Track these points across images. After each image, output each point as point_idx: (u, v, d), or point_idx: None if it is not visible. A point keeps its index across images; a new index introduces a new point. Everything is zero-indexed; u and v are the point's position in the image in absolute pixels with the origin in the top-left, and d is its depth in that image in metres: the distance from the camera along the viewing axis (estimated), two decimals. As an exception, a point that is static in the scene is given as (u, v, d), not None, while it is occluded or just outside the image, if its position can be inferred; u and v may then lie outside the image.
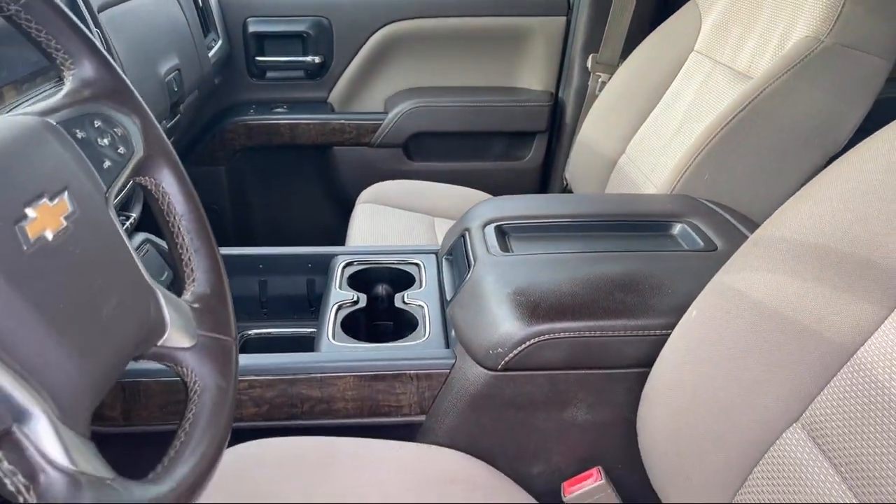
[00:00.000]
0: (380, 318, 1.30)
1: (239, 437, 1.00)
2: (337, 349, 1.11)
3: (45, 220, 0.53)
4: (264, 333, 1.44)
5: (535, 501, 1.03)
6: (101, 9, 1.39)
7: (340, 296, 1.26)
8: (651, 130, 1.88)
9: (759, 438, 0.83)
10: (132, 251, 0.63)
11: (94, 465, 0.50)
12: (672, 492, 0.94)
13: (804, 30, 1.46)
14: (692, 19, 1.93)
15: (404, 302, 1.24)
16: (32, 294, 0.49)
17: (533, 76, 2.40)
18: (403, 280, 1.33)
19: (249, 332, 1.44)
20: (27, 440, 0.47)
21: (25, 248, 0.50)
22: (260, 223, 2.48)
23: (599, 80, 2.19)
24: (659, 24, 2.03)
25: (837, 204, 0.86)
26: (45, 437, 0.47)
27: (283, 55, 2.32)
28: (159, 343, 0.65)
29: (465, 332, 1.06)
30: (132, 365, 0.62)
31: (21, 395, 0.47)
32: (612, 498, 1.04)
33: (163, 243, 1.39)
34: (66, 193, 0.56)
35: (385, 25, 2.30)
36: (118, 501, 0.49)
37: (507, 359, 0.99)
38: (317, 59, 2.32)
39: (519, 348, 0.99)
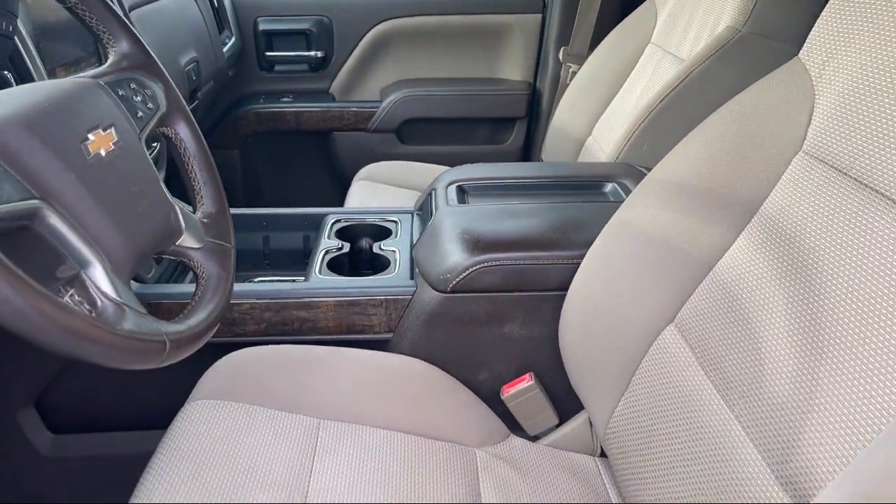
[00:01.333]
0: (360, 263, 1.53)
1: (242, 348, 1.23)
2: (321, 280, 1.34)
3: (100, 142, 0.76)
4: (266, 281, 1.67)
5: (478, 398, 1.26)
6: (132, 8, 1.64)
7: (328, 244, 1.49)
8: (612, 113, 2.09)
9: (645, 337, 1.05)
10: (158, 175, 0.86)
11: (133, 303, 0.73)
12: (583, 386, 1.17)
13: (727, 21, 1.68)
14: (649, 15, 2.15)
15: (381, 249, 1.48)
16: (94, 189, 0.73)
17: (512, 68, 2.62)
18: (382, 233, 1.56)
19: (254, 280, 1.67)
20: (89, 280, 0.70)
21: (87, 158, 0.74)
22: (268, 200, 2.71)
23: (570, 70, 2.40)
24: (622, 19, 2.24)
25: (702, 152, 1.08)
26: (101, 279, 0.71)
27: (289, 50, 2.55)
28: (177, 243, 0.89)
29: (423, 265, 1.30)
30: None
31: (86, 252, 0.70)
32: (540, 395, 1.27)
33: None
34: (113, 128, 0.80)
35: (379, 23, 2.52)
36: (149, 327, 0.72)
37: (454, 283, 1.22)
38: (319, 54, 2.55)
39: (463, 274, 1.22)
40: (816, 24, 1.01)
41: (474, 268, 1.22)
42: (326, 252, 1.46)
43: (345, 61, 2.58)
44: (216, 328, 0.85)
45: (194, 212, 0.96)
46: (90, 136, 0.75)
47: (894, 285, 0.69)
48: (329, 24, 2.53)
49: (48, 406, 1.35)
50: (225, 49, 2.27)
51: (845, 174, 0.82)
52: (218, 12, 2.30)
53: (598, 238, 1.17)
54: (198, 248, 0.91)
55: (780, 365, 0.80)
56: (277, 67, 2.58)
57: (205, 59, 2.02)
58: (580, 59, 2.37)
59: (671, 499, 0.90)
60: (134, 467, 1.01)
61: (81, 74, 0.86)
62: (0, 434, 1.32)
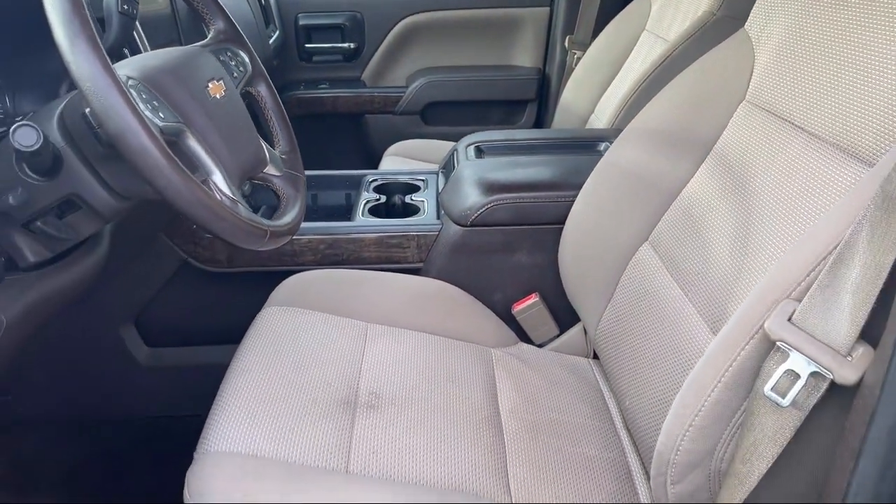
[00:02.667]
0: (394, 211, 1.79)
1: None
2: (364, 221, 1.62)
3: (215, 89, 1.04)
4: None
5: (493, 313, 1.51)
6: (200, 3, 1.91)
7: (367, 196, 1.76)
8: (611, 92, 2.34)
9: (625, 254, 1.30)
10: (250, 119, 1.14)
11: (243, 203, 1.00)
12: (577, 299, 1.42)
13: (705, 6, 1.93)
14: (645, 5, 2.39)
15: (412, 199, 1.74)
16: (214, 121, 1.00)
17: (523, 55, 2.88)
18: (412, 189, 1.82)
19: (305, 231, 1.94)
20: (213, 184, 0.97)
21: (209, 99, 1.01)
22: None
23: (575, 56, 2.66)
24: (621, 9, 2.49)
25: (669, 106, 1.33)
26: (221, 184, 0.98)
27: (326, 42, 2.83)
28: (264, 171, 1.16)
29: (447, 205, 1.56)
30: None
31: (211, 164, 0.97)
32: (543, 310, 1.53)
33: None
34: (222, 80, 1.07)
35: (405, 17, 2.79)
36: (257, 219, 0.99)
37: (472, 218, 1.49)
38: (352, 45, 2.82)
39: (480, 210, 1.48)
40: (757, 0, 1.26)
41: (488, 205, 1.48)
42: (367, 202, 1.73)
43: (374, 51, 2.85)
44: (293, 235, 1.12)
45: (273, 150, 1.23)
46: (209, 85, 1.03)
47: (806, 196, 0.93)
48: (361, 19, 2.80)
49: (145, 324, 1.63)
50: (270, 41, 2.54)
51: (776, 115, 1.06)
52: (265, 9, 2.57)
53: (588, 178, 1.43)
54: (278, 176, 1.18)
55: (721, 258, 1.05)
56: (315, 58, 2.85)
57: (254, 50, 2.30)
58: (584, 46, 2.62)
59: (642, 379, 1.14)
60: (216, 375, 1.21)
61: (194, 44, 1.13)
62: (106, 346, 1.60)
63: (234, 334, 1.35)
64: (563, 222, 1.47)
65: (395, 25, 2.81)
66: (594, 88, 2.40)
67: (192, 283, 1.60)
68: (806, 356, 0.74)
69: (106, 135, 0.86)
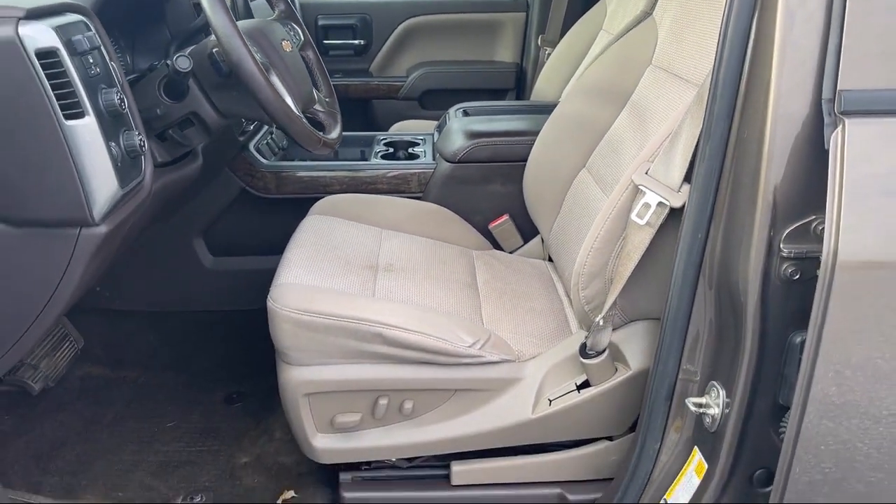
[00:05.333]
0: (399, 160, 2.25)
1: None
2: (378, 162, 2.08)
3: (286, 46, 1.50)
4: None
5: (474, 229, 1.97)
6: (248, 0, 2.37)
7: (379, 149, 2.22)
8: (574, 81, 2.81)
9: (569, 178, 1.75)
10: (306, 71, 1.60)
11: (306, 120, 1.47)
12: (535, 215, 1.88)
13: (642, 6, 2.40)
14: (602, 7, 2.87)
15: (412, 151, 2.21)
16: (287, 66, 1.46)
17: (504, 52, 3.35)
18: (413, 144, 2.28)
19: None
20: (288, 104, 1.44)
21: (283, 52, 1.47)
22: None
23: (546, 52, 3.12)
24: (584, 13, 2.96)
25: (603, 66, 1.80)
26: (292, 104, 1.44)
27: (340, 39, 3.29)
28: (313, 107, 1.62)
29: (440, 148, 2.03)
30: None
31: (285, 91, 1.44)
32: (513, 227, 1.98)
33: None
34: (289, 42, 1.53)
35: (407, 19, 3.25)
36: (316, 131, 1.45)
37: (459, 156, 1.95)
38: (362, 42, 3.28)
39: (465, 150, 1.95)
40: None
41: (471, 147, 1.95)
42: (378, 152, 2.19)
43: (381, 47, 3.31)
44: (334, 147, 1.57)
45: (319, 94, 1.70)
46: (282, 42, 1.49)
47: (671, 110, 1.40)
48: (370, 20, 3.26)
49: (211, 237, 2.08)
50: (295, 37, 3.00)
51: (667, 71, 1.53)
52: (290, 10, 3.04)
53: (544, 126, 1.90)
54: (322, 111, 1.65)
55: (625, 159, 1.51)
56: (331, 52, 3.30)
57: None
58: (553, 44, 3.08)
59: (570, 249, 1.59)
60: (267, 279, 1.54)
61: (267, 18, 1.60)
62: (181, 254, 2.05)
63: (280, 247, 1.76)
64: (527, 160, 1.93)
65: (398, 26, 3.27)
66: (561, 78, 2.85)
67: (248, 206, 2.06)
68: (654, 192, 1.21)
69: (228, 65, 1.32)
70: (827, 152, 0.98)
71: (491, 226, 1.99)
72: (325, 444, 1.43)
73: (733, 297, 1.11)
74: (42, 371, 1.73)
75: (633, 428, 1.39)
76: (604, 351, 1.34)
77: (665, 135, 1.27)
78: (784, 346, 1.09)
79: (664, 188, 1.21)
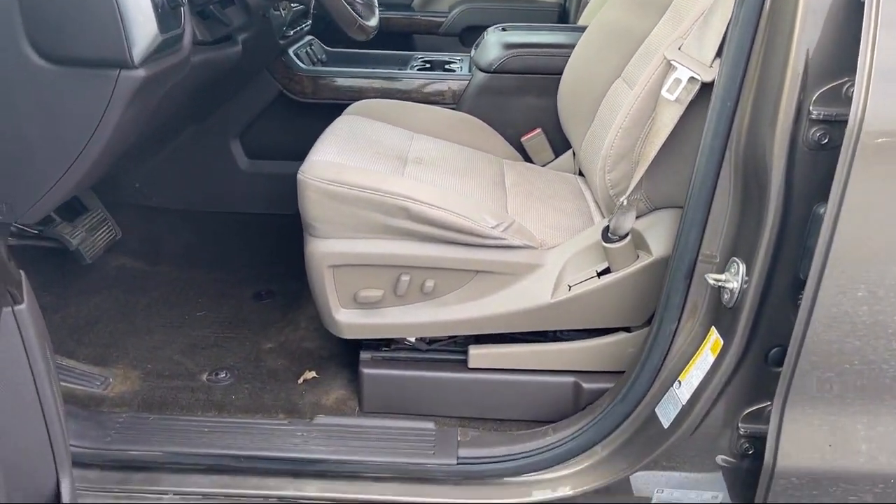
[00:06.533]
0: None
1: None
2: (412, 72, 2.09)
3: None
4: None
5: (506, 142, 1.98)
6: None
7: (416, 63, 2.23)
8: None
9: (604, 88, 1.73)
10: None
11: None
12: (568, 127, 1.88)
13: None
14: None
15: (448, 67, 2.22)
16: None
17: (545, -10, 3.34)
18: (451, 63, 2.29)
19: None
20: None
21: None
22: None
23: (590, -10, 3.10)
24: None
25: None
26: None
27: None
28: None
29: (476, 59, 2.04)
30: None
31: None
32: (545, 140, 1.99)
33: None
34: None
35: (451, -46, 3.26)
36: (356, 15, 1.47)
37: (494, 66, 1.96)
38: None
39: (501, 59, 1.95)
40: None
41: (507, 57, 1.95)
42: (414, 66, 2.21)
43: (424, -16, 3.33)
44: (370, 34, 1.59)
45: None
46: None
47: None
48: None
49: (247, 140, 2.12)
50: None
51: None
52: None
53: (581, 37, 1.89)
54: (361, 3, 1.66)
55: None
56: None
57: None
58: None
59: (606, 141, 1.59)
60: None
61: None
62: (217, 155, 2.10)
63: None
64: (562, 72, 1.93)
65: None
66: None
67: (284, 110, 2.09)
68: (686, 67, 1.20)
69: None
70: (862, 9, 0.97)
71: (523, 139, 1.99)
72: (347, 319, 1.46)
73: (759, 169, 1.10)
74: (82, 236, 1.79)
75: (651, 320, 1.40)
76: (626, 236, 1.35)
77: (700, 13, 1.26)
78: (807, 217, 1.08)
79: (696, 63, 1.21)
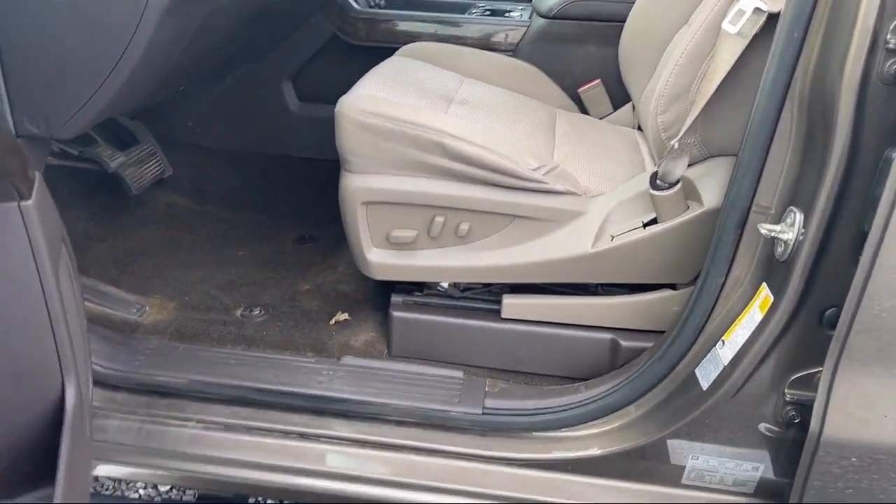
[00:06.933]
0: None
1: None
2: (469, 17, 2.02)
3: None
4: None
5: (562, 92, 1.89)
6: None
7: (474, 10, 2.16)
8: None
9: (668, 36, 1.59)
10: None
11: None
12: (628, 77, 1.77)
13: None
14: None
15: (508, 15, 2.13)
16: None
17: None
18: (511, 10, 2.20)
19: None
20: None
21: None
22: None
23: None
24: None
25: None
26: None
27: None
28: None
29: (537, 6, 1.95)
30: None
31: None
32: (603, 92, 1.89)
33: None
34: None
35: None
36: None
37: (555, 11, 1.87)
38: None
39: (561, 5, 1.86)
40: None
41: (568, 1, 1.85)
42: (471, 11, 2.13)
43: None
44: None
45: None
46: None
47: None
48: None
49: (299, 82, 2.10)
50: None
51: None
52: None
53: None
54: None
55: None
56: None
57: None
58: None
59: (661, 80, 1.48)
60: None
61: None
62: (269, 97, 2.09)
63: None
64: (625, 20, 1.82)
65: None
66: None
67: (337, 52, 2.06)
68: (751, -4, 1.09)
69: None
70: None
71: (581, 89, 1.90)
72: (379, 259, 1.42)
73: (825, 107, 0.99)
74: (121, 160, 1.81)
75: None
76: (676, 183, 1.25)
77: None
78: (877, 162, 0.97)
79: (763, -9, 1.10)
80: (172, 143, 2.10)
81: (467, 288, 1.48)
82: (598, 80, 1.89)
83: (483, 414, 1.32)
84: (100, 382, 1.41)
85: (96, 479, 1.67)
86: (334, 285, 1.73)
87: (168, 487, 1.67)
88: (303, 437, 1.36)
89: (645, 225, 1.31)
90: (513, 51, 1.97)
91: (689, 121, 1.20)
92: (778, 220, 1.09)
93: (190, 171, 2.14)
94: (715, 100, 1.19)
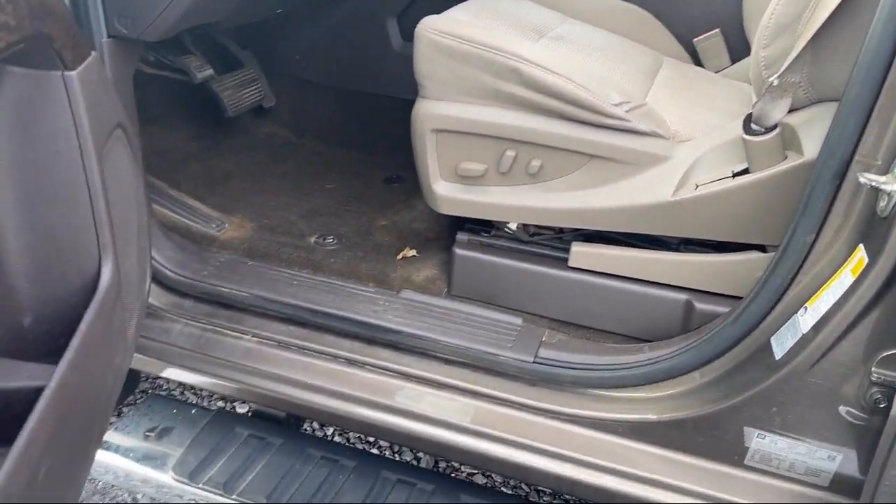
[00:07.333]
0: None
1: None
2: None
3: None
4: None
5: (675, 40, 1.74)
6: None
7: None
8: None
9: None
10: None
11: None
12: (751, 29, 1.60)
13: None
14: None
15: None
16: None
17: None
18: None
19: None
20: None
21: None
22: None
23: None
24: None
25: None
26: None
27: None
28: None
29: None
30: None
31: None
32: (721, 42, 1.71)
33: None
34: None
35: None
36: None
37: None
38: None
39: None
40: None
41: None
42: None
43: None
44: None
45: None
46: None
47: None
48: None
49: (405, 21, 2.07)
50: None
51: None
52: None
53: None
54: None
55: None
56: None
57: None
58: None
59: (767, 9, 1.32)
60: None
61: None
62: (373, 34, 2.07)
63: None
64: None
65: None
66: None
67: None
68: None
69: None
70: None
71: (696, 39, 1.74)
72: (445, 192, 1.37)
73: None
74: (227, 90, 1.86)
75: (793, 241, 1.16)
76: (774, 128, 1.11)
77: None
78: None
79: None
80: (279, 76, 2.14)
81: (536, 233, 1.40)
82: (716, 30, 1.72)
83: (533, 362, 1.25)
84: (168, 287, 1.46)
85: (156, 378, 1.75)
86: (410, 223, 1.70)
87: (223, 399, 1.73)
88: (350, 362, 1.34)
89: (735, 175, 1.17)
90: None
91: (794, 53, 1.05)
92: (884, 172, 0.94)
93: (292, 104, 2.17)
94: (827, 32, 1.03)
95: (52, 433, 0.75)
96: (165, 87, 1.93)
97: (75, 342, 0.84)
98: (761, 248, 1.21)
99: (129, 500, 1.73)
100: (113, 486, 1.77)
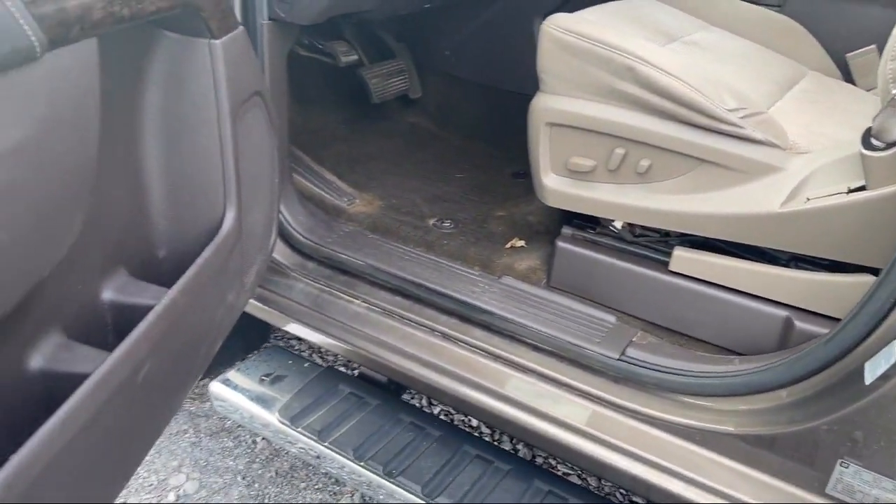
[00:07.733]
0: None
1: None
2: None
3: None
4: None
5: (827, 55, 1.65)
6: None
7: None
8: None
9: None
10: None
11: None
12: None
13: None
14: None
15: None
16: None
17: None
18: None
19: None
20: None
21: None
22: None
23: None
24: None
25: None
26: None
27: None
28: None
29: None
30: None
31: None
32: (878, 58, 1.61)
33: None
34: None
35: None
36: None
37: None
38: None
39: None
40: None
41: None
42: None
43: None
44: None
45: None
46: None
47: None
48: None
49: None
50: None
51: None
52: None
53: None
54: None
55: None
56: None
57: None
58: None
59: None
60: None
61: None
62: (521, 35, 2.13)
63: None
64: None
65: None
66: None
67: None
68: None
69: None
70: None
71: (849, 54, 1.65)
72: (554, 185, 1.41)
73: None
74: (374, 77, 2.00)
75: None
76: (895, 144, 1.05)
77: None
78: None
79: None
80: (429, 69, 2.26)
81: (641, 235, 1.40)
82: (872, 46, 1.62)
83: (618, 359, 1.26)
84: (297, 249, 1.61)
85: (278, 330, 1.92)
86: (524, 216, 1.75)
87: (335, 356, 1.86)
88: (445, 337, 1.42)
89: (850, 191, 1.12)
90: (781, 4, 1.77)
91: (920, 65, 1.00)
92: None
93: (437, 98, 2.28)
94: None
95: (156, 343, 0.88)
96: (323, 72, 2.11)
97: (190, 272, 0.97)
98: (874, 272, 1.15)
99: (249, 441, 1.93)
100: (239, 426, 1.97)
